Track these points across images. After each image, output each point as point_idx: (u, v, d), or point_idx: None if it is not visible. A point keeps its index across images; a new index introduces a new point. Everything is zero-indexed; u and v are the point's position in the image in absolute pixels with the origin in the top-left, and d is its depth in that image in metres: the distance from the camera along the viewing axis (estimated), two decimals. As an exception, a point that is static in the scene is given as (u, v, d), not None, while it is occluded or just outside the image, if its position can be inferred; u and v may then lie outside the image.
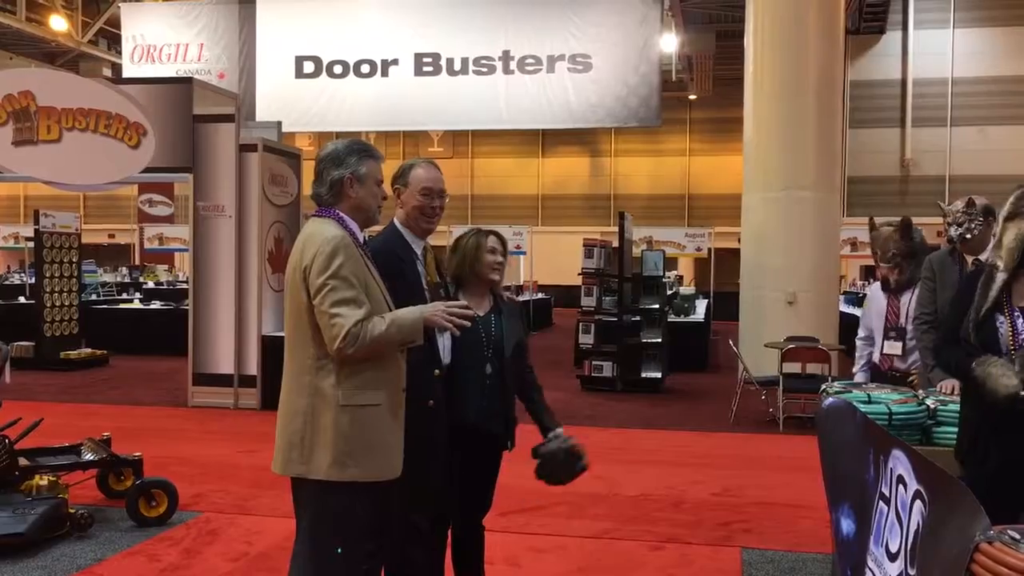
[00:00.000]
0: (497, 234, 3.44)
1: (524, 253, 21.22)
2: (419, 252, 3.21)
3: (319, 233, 2.78)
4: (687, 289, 18.32)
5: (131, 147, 9.19)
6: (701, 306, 15.31)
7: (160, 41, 17.84)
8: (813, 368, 8.93)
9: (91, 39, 24.35)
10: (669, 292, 14.71)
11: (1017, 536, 1.74)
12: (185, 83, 9.61)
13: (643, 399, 10.06)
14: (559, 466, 3.40)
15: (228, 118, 9.24)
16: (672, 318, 12.70)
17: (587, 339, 10.86)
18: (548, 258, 23.32)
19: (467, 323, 2.87)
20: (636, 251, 13.29)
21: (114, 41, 24.23)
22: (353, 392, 2.74)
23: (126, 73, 17.78)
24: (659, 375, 10.64)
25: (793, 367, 8.84)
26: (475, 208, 29.25)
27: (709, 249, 20.16)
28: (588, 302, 10.95)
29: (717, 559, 4.66)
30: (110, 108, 9.21)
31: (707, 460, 7.13)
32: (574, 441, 3.42)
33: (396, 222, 3.22)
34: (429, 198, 3.18)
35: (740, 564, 4.57)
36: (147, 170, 9.35)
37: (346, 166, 2.85)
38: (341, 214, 2.85)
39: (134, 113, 9.17)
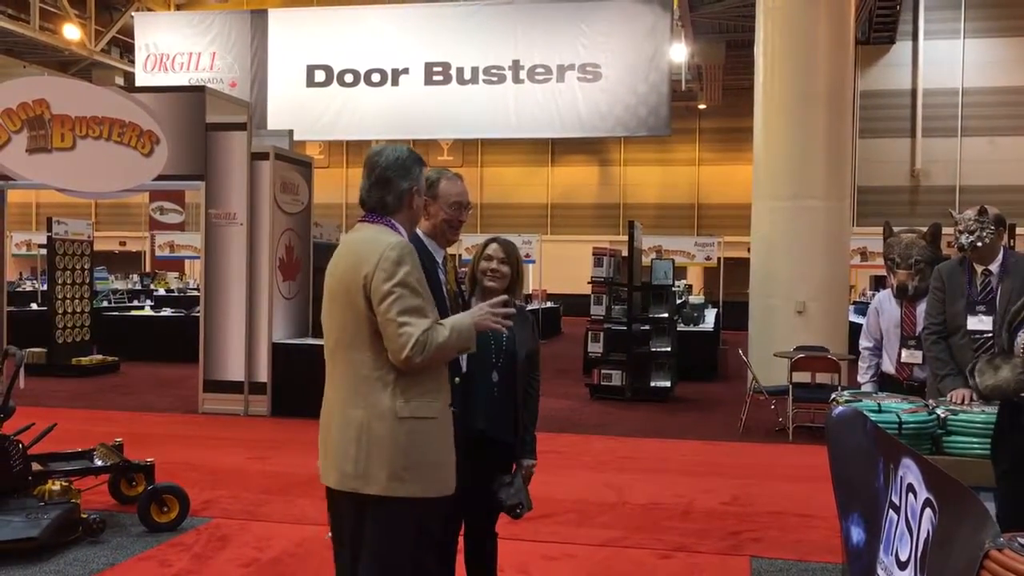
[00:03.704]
0: (499, 241, 3.44)
1: (533, 262, 21.24)
2: (440, 261, 3.25)
3: (379, 239, 2.71)
4: (696, 298, 18.30)
5: (144, 155, 9.26)
6: (710, 315, 15.30)
7: (173, 50, 17.98)
8: (823, 378, 8.92)
9: (104, 48, 24.52)
10: (678, 301, 14.70)
11: (1027, 543, 1.74)
12: (198, 91, 9.68)
13: (652, 408, 10.05)
14: (503, 508, 3.38)
15: (240, 126, 9.30)
16: (681, 327, 12.70)
17: (596, 348, 10.86)
18: (557, 267, 23.31)
19: (510, 321, 2.89)
20: (645, 260, 13.30)
21: (127, 50, 24.40)
22: (411, 404, 2.67)
23: (139, 82, 17.92)
24: (668, 384, 10.63)
25: (803, 376, 8.84)
26: (484, 217, 29.29)
27: (718, 258, 20.14)
28: (597, 311, 10.95)
29: (726, 568, 4.66)
30: (123, 116, 9.29)
31: (716, 469, 7.13)
32: (505, 496, 3.31)
33: (418, 231, 3.25)
34: (459, 211, 3.24)
35: (749, 573, 4.56)
36: (160, 178, 9.41)
37: (412, 177, 2.83)
38: (394, 222, 2.81)
39: (147, 121, 9.24)
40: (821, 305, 10.63)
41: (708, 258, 19.87)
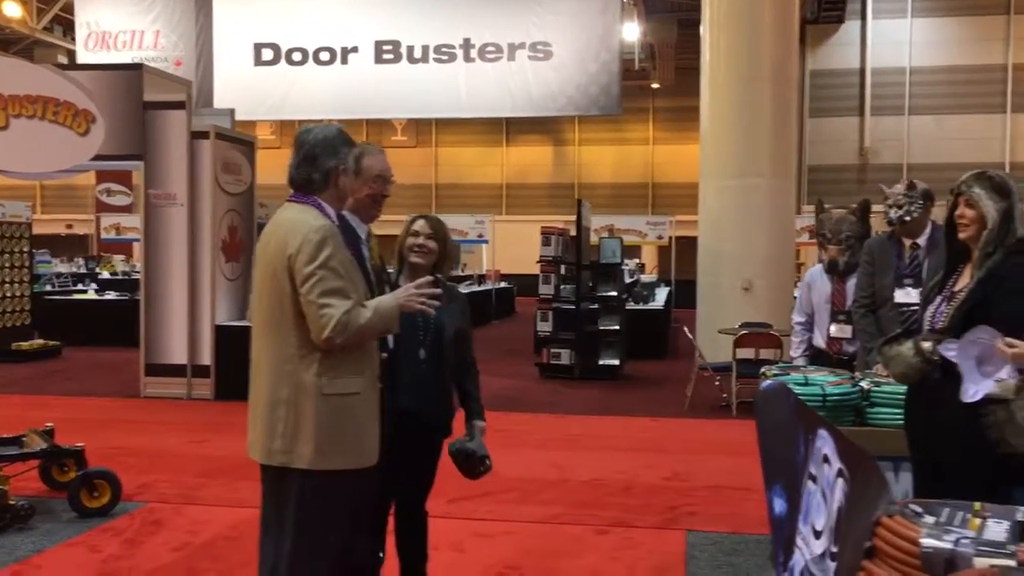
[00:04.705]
0: (427, 218, 3.44)
1: (487, 242, 21.22)
2: (364, 236, 3.22)
3: (303, 221, 2.76)
4: (648, 277, 18.41)
5: (80, 134, 9.03)
6: (662, 294, 15.39)
7: (115, 28, 17.55)
8: (767, 353, 9.01)
9: (46, 26, 23.90)
10: (629, 280, 14.76)
11: (919, 509, 1.77)
12: (135, 69, 9.46)
13: (601, 386, 10.09)
14: (462, 464, 3.42)
15: (179, 105, 9.10)
16: (632, 306, 12.75)
17: (545, 327, 10.86)
18: (511, 247, 23.29)
19: (437, 302, 2.90)
20: (595, 239, 13.31)
21: (70, 28, 23.77)
22: (335, 381, 2.74)
23: (80, 60, 17.48)
24: (617, 362, 10.68)
25: (747, 352, 8.92)
26: (439, 197, 29.18)
27: (670, 237, 20.27)
28: (546, 290, 10.96)
29: (661, 541, 4.69)
30: (58, 95, 9.04)
31: (660, 445, 7.18)
32: (474, 446, 3.38)
33: None
34: (382, 185, 3.23)
35: (684, 546, 4.60)
36: (97, 158, 9.19)
37: (339, 156, 2.87)
38: (321, 202, 2.85)
39: (83, 100, 9.01)
40: (767, 282, 10.75)
41: (660, 237, 19.97)
